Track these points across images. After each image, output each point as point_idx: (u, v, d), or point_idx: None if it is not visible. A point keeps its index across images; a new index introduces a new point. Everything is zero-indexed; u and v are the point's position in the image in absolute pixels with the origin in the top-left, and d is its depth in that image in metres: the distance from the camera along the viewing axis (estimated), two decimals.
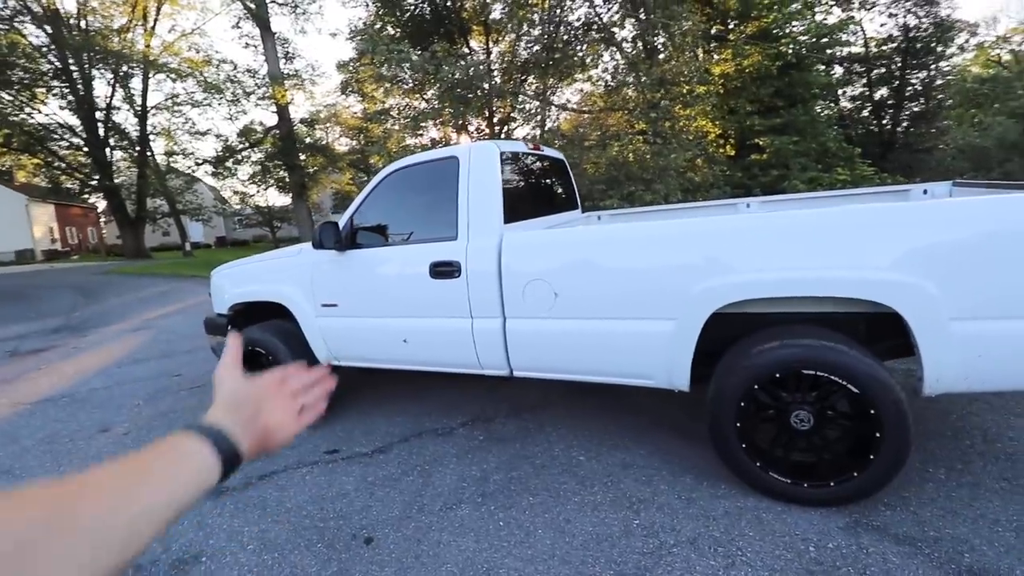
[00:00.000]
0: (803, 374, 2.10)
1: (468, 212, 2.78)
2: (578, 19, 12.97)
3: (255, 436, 0.59)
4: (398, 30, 16.43)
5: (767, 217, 2.23)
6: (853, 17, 16.10)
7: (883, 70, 17.49)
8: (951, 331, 1.92)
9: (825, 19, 14.19)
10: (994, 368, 1.94)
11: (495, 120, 14.83)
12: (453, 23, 16.56)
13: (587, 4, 12.35)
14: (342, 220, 3.16)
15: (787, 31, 12.68)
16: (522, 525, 2.25)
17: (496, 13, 14.71)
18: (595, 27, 13.25)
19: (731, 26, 12.77)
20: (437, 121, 13.01)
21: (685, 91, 11.58)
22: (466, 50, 16.64)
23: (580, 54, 13.31)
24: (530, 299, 2.60)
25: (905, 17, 16.66)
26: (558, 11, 12.81)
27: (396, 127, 14.97)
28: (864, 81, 17.58)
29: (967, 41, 19.95)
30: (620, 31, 12.89)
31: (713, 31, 12.55)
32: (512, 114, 15.07)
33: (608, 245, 2.45)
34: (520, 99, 13.49)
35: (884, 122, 18.16)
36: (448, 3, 16.10)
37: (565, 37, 13.30)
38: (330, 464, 2.94)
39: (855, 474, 2.08)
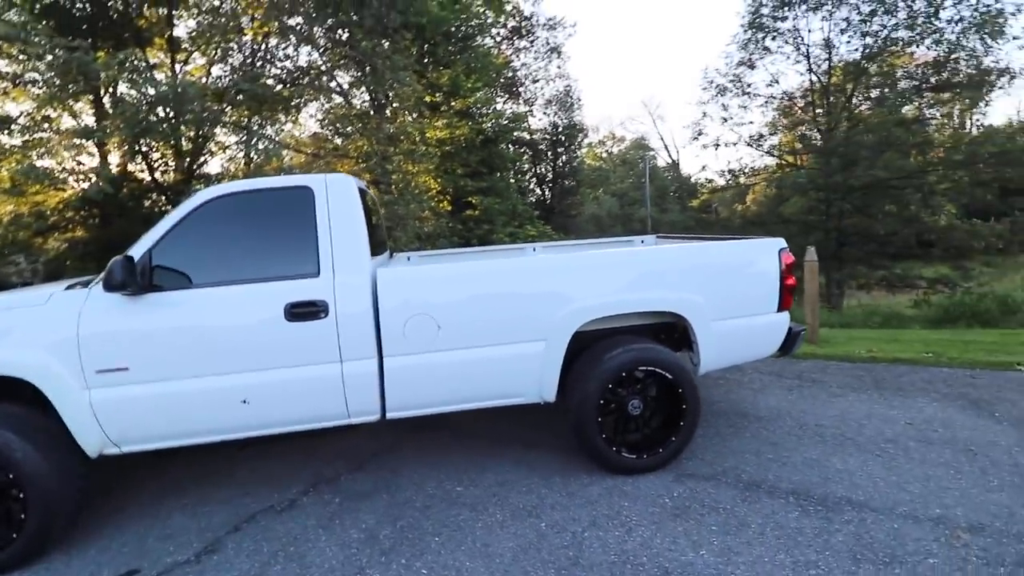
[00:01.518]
0: (637, 370, 2.80)
1: (332, 246, 2.58)
2: (289, 59, 12.56)
3: None
4: (27, 15, 12.37)
5: (599, 254, 2.91)
6: (530, 111, 20.62)
7: (544, 153, 22.80)
8: (713, 329, 2.93)
9: (505, 110, 17.81)
10: (729, 351, 3.03)
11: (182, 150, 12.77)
12: (124, 27, 13.59)
13: (305, 47, 12.13)
14: (135, 255, 2.43)
15: (485, 112, 15.30)
16: (448, 564, 2.20)
17: (182, 30, 12.88)
18: (311, 72, 13.09)
19: (441, 99, 14.60)
20: (94, 142, 10.32)
21: (409, 148, 12.61)
22: (142, 63, 13.82)
23: (289, 94, 12.89)
24: (412, 335, 2.59)
25: (553, 117, 22.33)
26: (263, 46, 12.21)
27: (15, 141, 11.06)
28: (531, 160, 22.50)
29: (584, 139, 27.88)
30: (339, 79, 13.10)
31: (427, 100, 14.10)
32: (208, 145, 13.28)
33: (490, 277, 2.71)
34: (221, 130, 12.03)
35: (546, 193, 23.53)
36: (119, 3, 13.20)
37: (275, 72, 12.68)
38: None
39: (672, 439, 2.86)
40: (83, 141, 9.60)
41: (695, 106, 22.65)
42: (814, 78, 14.80)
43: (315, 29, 11.72)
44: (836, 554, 2.11)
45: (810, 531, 2.27)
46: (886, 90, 13.19)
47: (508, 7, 19.74)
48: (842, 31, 13.55)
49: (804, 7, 13.80)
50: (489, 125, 15.06)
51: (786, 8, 14.21)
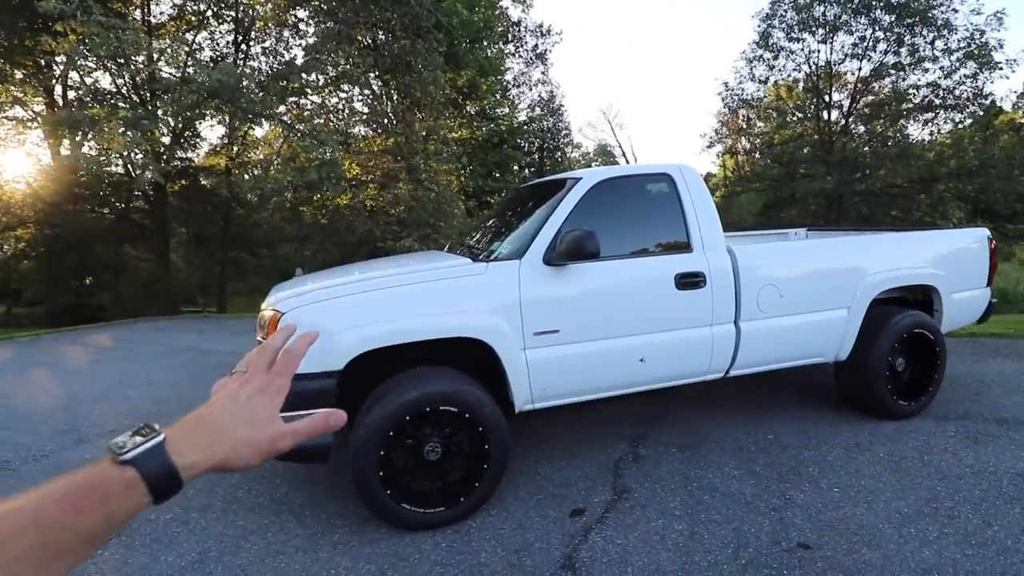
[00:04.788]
0: (913, 332, 3.39)
1: (699, 225, 2.98)
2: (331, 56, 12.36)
3: (210, 445, 0.48)
4: None
5: (886, 237, 3.52)
6: (534, 120, 21.13)
7: (530, 156, 23.50)
8: (952, 299, 3.58)
9: (517, 112, 18.32)
10: (958, 317, 3.70)
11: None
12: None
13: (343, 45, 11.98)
14: (544, 232, 2.71)
15: (500, 113, 15.66)
16: (848, 482, 2.67)
17: None
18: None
19: (461, 99, 14.82)
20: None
21: (439, 148, 12.77)
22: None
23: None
24: (763, 302, 3.04)
25: (541, 121, 23.02)
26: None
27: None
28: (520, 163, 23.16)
29: (569, 143, 28.96)
30: (371, 77, 13.01)
31: (453, 99, 14.29)
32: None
33: (815, 255, 3.21)
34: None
35: None
36: None
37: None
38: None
39: (930, 388, 3.48)
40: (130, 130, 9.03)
41: (711, 116, 24.20)
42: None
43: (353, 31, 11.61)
44: None
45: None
46: (887, 107, 14.92)
47: (495, 12, 20.27)
48: (847, 56, 15.26)
49: (815, 38, 15.44)
50: (505, 126, 15.41)
51: (798, 30, 15.76)
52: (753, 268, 3.04)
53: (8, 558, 0.37)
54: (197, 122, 14.05)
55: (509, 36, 21.99)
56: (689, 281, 2.87)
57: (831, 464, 2.90)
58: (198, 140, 16.13)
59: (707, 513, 2.50)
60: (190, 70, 12.66)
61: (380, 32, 11.98)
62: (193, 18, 14.54)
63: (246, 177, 16.15)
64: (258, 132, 15.79)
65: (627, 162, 40.37)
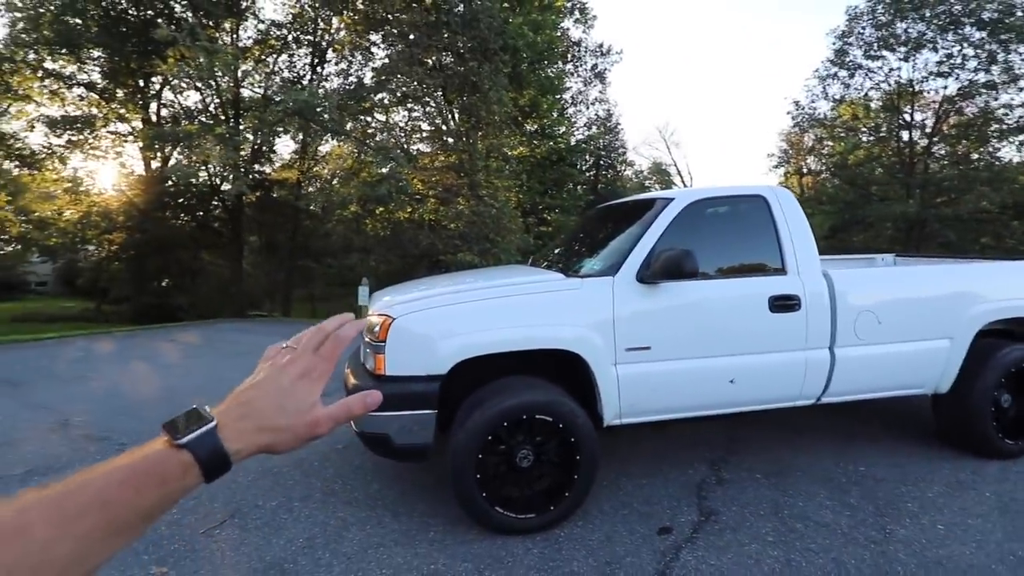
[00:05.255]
0: (1021, 366, 3.19)
1: (794, 247, 2.95)
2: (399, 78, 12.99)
3: (256, 432, 0.50)
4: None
5: (993, 265, 3.35)
6: (592, 139, 21.30)
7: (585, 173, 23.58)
8: None
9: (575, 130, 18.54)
10: None
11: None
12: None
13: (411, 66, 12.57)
14: (638, 250, 2.77)
15: (558, 131, 15.87)
16: (948, 521, 2.54)
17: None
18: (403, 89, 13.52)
19: (522, 118, 15.17)
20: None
21: (500, 165, 13.08)
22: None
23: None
24: (860, 328, 2.96)
25: (599, 139, 23.10)
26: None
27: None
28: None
29: (624, 161, 28.94)
30: (436, 96, 13.56)
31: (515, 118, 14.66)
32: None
33: (916, 282, 3.11)
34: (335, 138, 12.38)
35: None
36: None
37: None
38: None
39: None
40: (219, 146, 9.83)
41: (777, 135, 23.64)
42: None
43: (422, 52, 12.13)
44: None
45: None
46: (976, 128, 14.07)
47: (558, 33, 20.62)
48: (931, 74, 14.61)
49: (896, 56, 14.89)
50: (563, 144, 15.59)
51: (877, 48, 15.24)
52: (850, 293, 2.97)
53: (77, 534, 0.40)
54: (275, 138, 15.09)
55: (569, 56, 22.40)
56: (783, 304, 2.85)
57: (932, 501, 2.77)
58: (273, 155, 17.28)
59: (802, 542, 2.44)
60: (271, 90, 13.63)
61: (447, 55, 12.47)
62: (275, 42, 15.69)
63: (310, 190, 17.10)
64: (323, 148, 16.79)
65: (682, 181, 39.70)
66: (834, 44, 16.49)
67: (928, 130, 15.14)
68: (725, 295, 2.84)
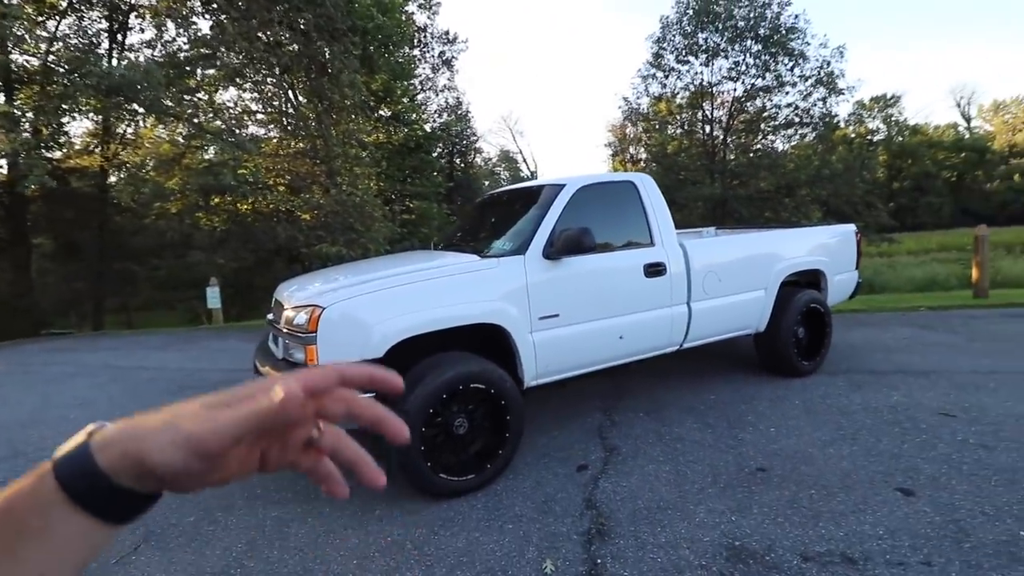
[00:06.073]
0: (810, 306, 4.30)
1: (658, 223, 3.58)
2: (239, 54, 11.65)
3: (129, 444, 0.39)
4: None
5: (793, 232, 4.37)
6: (447, 126, 21.27)
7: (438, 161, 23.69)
8: (834, 280, 4.58)
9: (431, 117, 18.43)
10: (838, 294, 4.73)
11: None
12: None
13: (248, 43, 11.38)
14: (542, 230, 3.14)
15: (415, 118, 15.73)
16: (773, 420, 3.41)
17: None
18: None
19: (374, 103, 14.67)
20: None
21: (358, 152, 12.60)
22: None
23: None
24: (707, 286, 3.72)
25: (451, 127, 23.33)
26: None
27: None
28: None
29: (477, 149, 29.55)
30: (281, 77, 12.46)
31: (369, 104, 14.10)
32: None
33: (744, 245, 3.97)
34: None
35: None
36: None
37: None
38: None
39: (823, 349, 4.43)
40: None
41: (608, 128, 25.80)
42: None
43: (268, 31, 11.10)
44: None
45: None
46: (758, 125, 17.43)
47: (403, 17, 20.29)
48: (724, 78, 17.63)
49: (698, 61, 17.62)
50: (420, 132, 15.53)
51: (685, 54, 17.87)
52: (699, 258, 3.71)
53: None
54: (64, 117, 12.49)
55: (416, 41, 22.10)
56: (654, 270, 3.46)
57: (763, 412, 3.65)
58: (63, 137, 14.26)
59: (684, 456, 3.08)
60: (56, 61, 11.23)
61: (286, 32, 11.57)
62: (55, 1, 12.87)
63: (120, 178, 14.58)
64: (131, 130, 14.36)
65: (528, 168, 41.72)
66: (652, 48, 18.98)
67: (723, 125, 18.43)
68: (613, 266, 3.36)
